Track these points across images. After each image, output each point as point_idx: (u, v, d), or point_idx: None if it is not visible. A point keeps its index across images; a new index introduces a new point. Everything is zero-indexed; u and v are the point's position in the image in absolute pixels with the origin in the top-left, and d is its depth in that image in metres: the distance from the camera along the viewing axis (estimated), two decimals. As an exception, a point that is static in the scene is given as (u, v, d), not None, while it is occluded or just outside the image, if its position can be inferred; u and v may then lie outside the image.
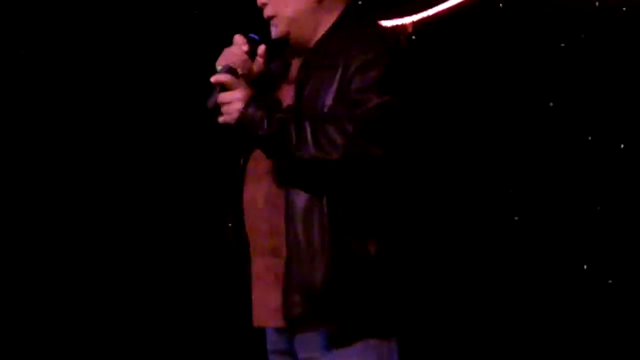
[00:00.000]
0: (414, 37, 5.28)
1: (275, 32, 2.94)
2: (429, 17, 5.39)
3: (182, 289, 5.35)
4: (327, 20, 2.93)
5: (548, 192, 5.25)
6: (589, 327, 5.12)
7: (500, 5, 5.28)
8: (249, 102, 2.79)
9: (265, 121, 2.76)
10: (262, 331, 3.03)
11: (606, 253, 5.16)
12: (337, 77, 2.82)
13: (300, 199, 2.81)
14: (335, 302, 2.81)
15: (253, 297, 2.93)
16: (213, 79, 2.84)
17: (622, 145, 5.17)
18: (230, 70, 2.84)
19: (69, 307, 5.31)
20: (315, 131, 2.73)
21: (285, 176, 2.84)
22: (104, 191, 5.40)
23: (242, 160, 2.96)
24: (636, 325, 5.08)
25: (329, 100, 2.82)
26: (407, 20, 5.44)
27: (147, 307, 5.38)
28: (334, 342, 2.84)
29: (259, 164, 2.91)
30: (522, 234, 5.28)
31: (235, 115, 2.80)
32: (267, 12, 2.93)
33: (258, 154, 2.90)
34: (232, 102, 2.80)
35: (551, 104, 5.27)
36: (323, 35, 2.92)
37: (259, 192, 2.91)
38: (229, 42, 2.94)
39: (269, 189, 2.88)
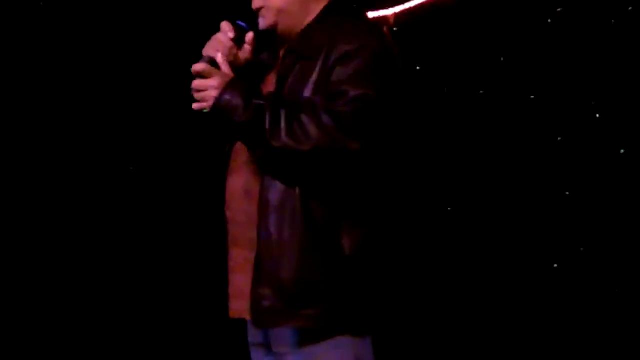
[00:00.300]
0: (395, 29, 5.27)
1: (263, 23, 2.94)
2: (410, 9, 5.40)
3: (166, 282, 5.34)
4: (314, 11, 2.92)
5: (532, 187, 5.25)
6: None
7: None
8: (225, 89, 2.78)
9: (242, 108, 2.74)
10: (244, 323, 2.98)
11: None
12: (318, 68, 2.80)
13: (274, 191, 2.79)
14: (304, 297, 2.77)
15: (230, 289, 2.91)
16: (192, 68, 2.84)
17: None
18: (209, 60, 2.85)
19: (57, 302, 5.31)
20: (290, 120, 2.71)
21: (261, 167, 2.82)
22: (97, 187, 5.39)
23: (226, 151, 2.94)
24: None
25: (308, 92, 2.80)
26: (389, 12, 5.44)
27: (131, 300, 5.37)
28: (304, 338, 2.81)
29: (239, 155, 2.89)
30: (499, 229, 5.27)
31: (210, 102, 2.79)
32: (256, 3, 2.93)
33: (240, 145, 2.88)
34: (207, 89, 2.80)
35: (532, 97, 5.26)
36: (307, 26, 2.91)
37: (238, 183, 2.89)
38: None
39: (247, 180, 2.87)
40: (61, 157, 5.35)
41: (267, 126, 2.71)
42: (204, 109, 2.81)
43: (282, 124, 2.71)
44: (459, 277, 5.22)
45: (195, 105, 2.84)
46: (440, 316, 5.18)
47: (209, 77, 2.82)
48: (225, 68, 2.84)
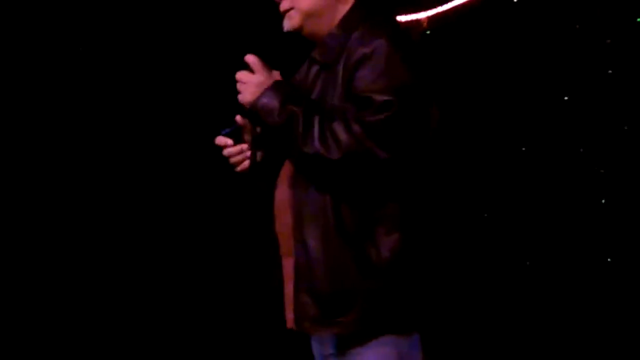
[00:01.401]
0: (428, 32, 5.27)
1: (288, 24, 2.92)
2: (444, 13, 5.40)
3: (217, 291, 5.37)
4: (339, 15, 2.90)
5: (569, 193, 5.24)
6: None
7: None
8: (265, 90, 2.79)
9: (276, 112, 2.75)
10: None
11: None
12: (340, 75, 2.79)
13: (308, 201, 2.80)
14: (341, 305, 2.78)
15: (285, 298, 2.93)
16: (245, 58, 2.85)
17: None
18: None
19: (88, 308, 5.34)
20: (322, 128, 2.70)
21: (296, 178, 2.84)
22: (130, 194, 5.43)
23: (277, 163, 2.94)
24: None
25: (335, 100, 2.78)
26: (422, 15, 5.44)
27: (180, 309, 5.41)
28: (346, 343, 2.83)
29: (284, 168, 2.91)
30: (529, 234, 5.27)
31: (249, 98, 2.81)
32: (284, 5, 2.92)
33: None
34: (248, 83, 2.82)
35: (566, 98, 5.26)
36: (328, 33, 2.89)
37: (281, 195, 2.91)
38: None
39: (287, 191, 2.88)
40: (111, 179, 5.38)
41: (300, 132, 2.72)
42: (242, 103, 2.83)
43: (315, 132, 2.71)
44: (495, 276, 5.23)
45: (239, 97, 2.86)
46: (479, 312, 5.18)
47: (256, 73, 2.83)
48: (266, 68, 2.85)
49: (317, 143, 2.69)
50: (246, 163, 2.97)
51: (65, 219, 5.34)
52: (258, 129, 2.91)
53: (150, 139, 5.44)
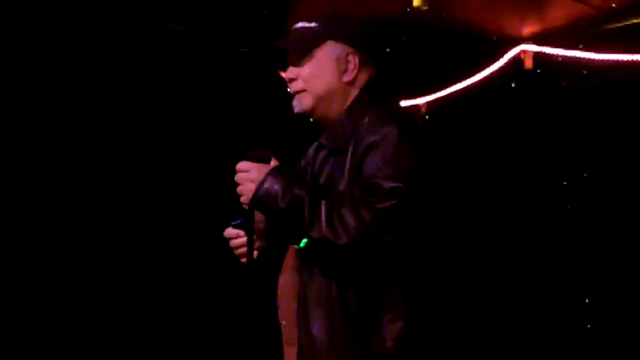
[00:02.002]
0: (427, 117, 5.35)
1: (299, 107, 2.88)
2: (442, 98, 5.48)
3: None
4: (349, 99, 2.87)
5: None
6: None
7: (513, 85, 5.36)
8: (266, 177, 2.70)
9: (280, 196, 2.68)
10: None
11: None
12: (348, 161, 2.75)
13: (313, 287, 2.75)
14: None
15: None
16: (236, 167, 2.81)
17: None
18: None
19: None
20: (330, 213, 2.64)
21: (301, 264, 2.80)
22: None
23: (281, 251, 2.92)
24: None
25: (343, 185, 2.73)
26: (420, 101, 5.53)
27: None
28: None
29: (291, 252, 2.87)
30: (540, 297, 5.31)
31: (249, 194, 2.73)
32: (296, 86, 2.88)
33: (291, 247, 2.85)
34: (245, 181, 2.75)
35: (565, 183, 5.32)
36: (336, 118, 2.85)
37: (288, 280, 2.87)
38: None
39: (291, 278, 2.85)
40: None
41: (306, 216, 2.65)
42: (244, 203, 2.77)
43: (322, 216, 2.64)
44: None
45: (241, 199, 2.80)
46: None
47: (250, 170, 2.75)
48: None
49: (324, 227, 2.63)
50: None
51: (65, 219, 5.30)
52: (262, 225, 2.87)
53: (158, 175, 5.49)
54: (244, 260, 2.94)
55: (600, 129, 5.19)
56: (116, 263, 5.32)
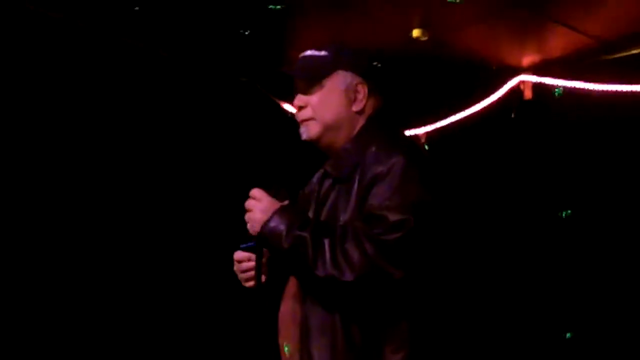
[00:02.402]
0: (426, 147, 5.35)
1: (306, 134, 2.87)
2: (441, 128, 5.49)
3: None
4: (356, 129, 2.87)
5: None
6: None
7: (512, 115, 5.37)
8: (273, 214, 2.71)
9: (284, 236, 2.68)
10: None
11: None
12: (354, 191, 2.73)
13: (316, 317, 2.74)
14: None
15: None
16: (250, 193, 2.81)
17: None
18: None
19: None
20: (334, 250, 2.63)
21: (304, 293, 2.78)
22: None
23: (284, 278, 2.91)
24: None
25: (348, 216, 2.72)
26: (420, 131, 5.53)
27: None
28: None
29: (294, 280, 2.85)
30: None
31: (257, 227, 2.74)
32: (305, 114, 2.87)
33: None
34: (255, 211, 2.74)
35: (564, 215, 5.32)
36: (342, 147, 2.85)
37: (290, 307, 2.86)
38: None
39: (293, 307, 2.83)
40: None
41: (310, 256, 2.64)
42: (251, 232, 2.77)
43: (327, 255, 2.63)
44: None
45: (248, 226, 2.79)
46: None
47: (262, 200, 2.76)
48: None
49: (329, 266, 2.62)
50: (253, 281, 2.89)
51: (65, 219, 5.30)
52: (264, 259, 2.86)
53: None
54: (249, 284, 2.92)
55: (600, 159, 5.19)
56: (119, 279, 5.31)
